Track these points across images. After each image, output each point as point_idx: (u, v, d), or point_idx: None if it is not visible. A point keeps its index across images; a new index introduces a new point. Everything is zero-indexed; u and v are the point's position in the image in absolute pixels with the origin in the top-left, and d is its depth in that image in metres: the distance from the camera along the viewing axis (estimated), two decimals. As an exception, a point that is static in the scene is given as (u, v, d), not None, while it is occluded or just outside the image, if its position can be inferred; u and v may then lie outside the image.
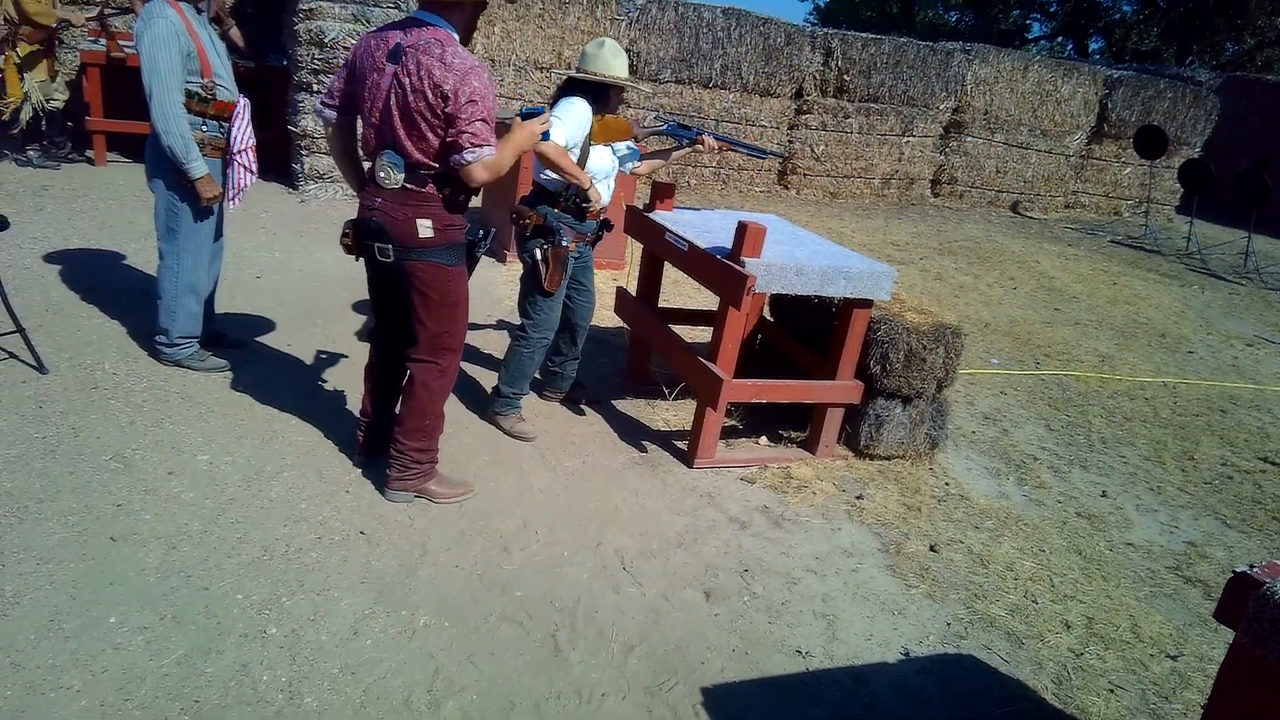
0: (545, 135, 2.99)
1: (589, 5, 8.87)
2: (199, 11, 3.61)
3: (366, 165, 2.92)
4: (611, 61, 3.52)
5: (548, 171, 3.55)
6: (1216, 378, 6.33)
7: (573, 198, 3.55)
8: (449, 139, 2.67)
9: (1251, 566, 1.74)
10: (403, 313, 2.99)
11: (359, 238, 2.89)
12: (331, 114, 2.93)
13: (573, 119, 3.44)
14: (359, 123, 2.87)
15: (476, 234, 3.03)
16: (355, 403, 3.77)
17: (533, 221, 3.55)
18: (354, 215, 2.92)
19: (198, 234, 3.76)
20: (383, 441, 3.17)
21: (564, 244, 3.54)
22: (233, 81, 3.75)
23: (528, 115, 2.90)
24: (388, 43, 2.71)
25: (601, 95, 3.54)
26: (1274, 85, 15.55)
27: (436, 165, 2.73)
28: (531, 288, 3.64)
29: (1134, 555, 3.66)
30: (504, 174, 2.83)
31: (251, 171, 3.81)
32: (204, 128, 3.64)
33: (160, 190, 3.67)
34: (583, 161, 3.52)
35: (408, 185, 2.76)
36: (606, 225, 3.80)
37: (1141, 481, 4.39)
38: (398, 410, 3.08)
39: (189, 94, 3.54)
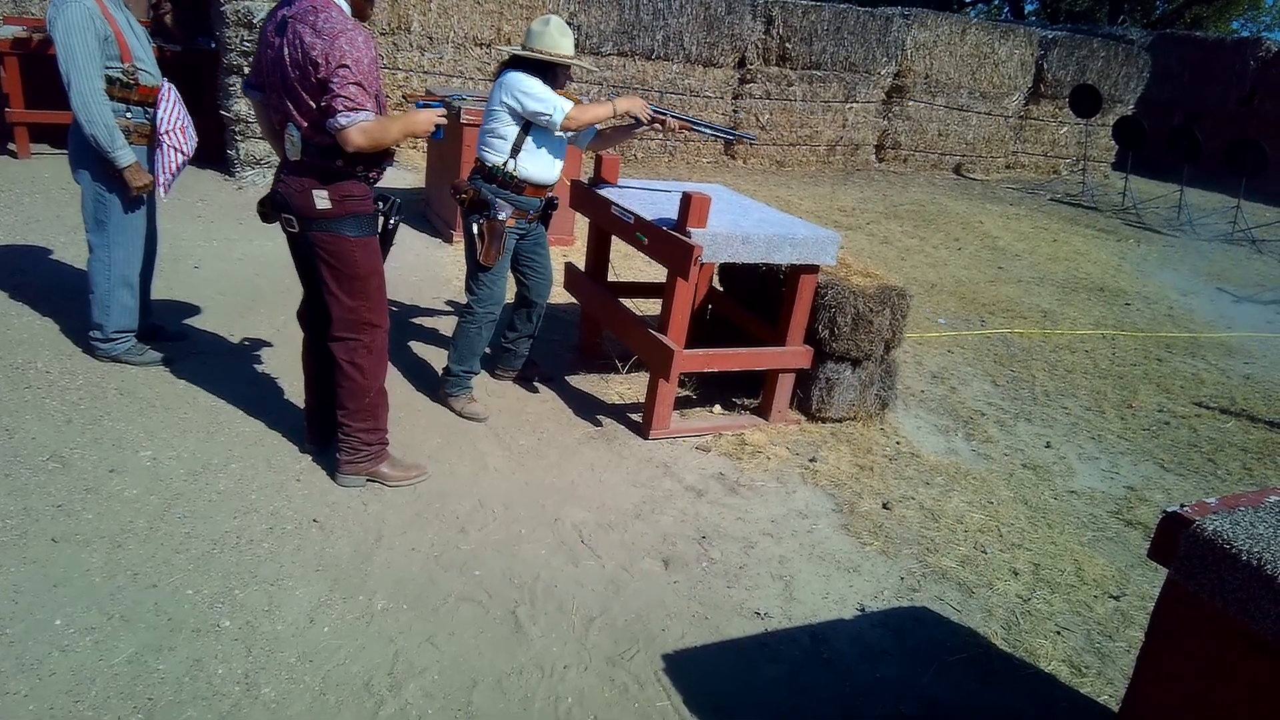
0: (438, 133, 2.96)
1: (526, -22, 8.72)
2: (114, -6, 3.47)
3: None
4: (559, 40, 3.46)
5: (485, 149, 3.53)
6: (1152, 328, 6.53)
7: (506, 173, 3.52)
8: (322, 104, 2.63)
9: (1182, 506, 1.80)
10: (317, 290, 2.98)
11: (273, 208, 2.90)
12: (255, 94, 2.94)
13: (547, 89, 3.43)
14: None
15: (386, 207, 3.03)
16: (301, 390, 3.72)
17: (469, 196, 3.54)
18: None
19: (129, 225, 3.64)
20: (331, 427, 3.13)
21: (498, 217, 3.52)
22: (155, 65, 3.62)
23: (424, 108, 2.93)
24: (276, 17, 2.73)
25: (548, 74, 3.50)
26: (1203, 42, 15.94)
27: (326, 135, 2.69)
28: (472, 262, 3.63)
29: (1077, 502, 3.77)
30: (388, 145, 2.81)
31: (183, 152, 3.65)
32: (128, 114, 3.51)
33: (86, 181, 3.54)
34: (525, 134, 3.50)
35: (305, 157, 2.76)
36: (552, 204, 3.77)
37: (1083, 431, 4.52)
38: (336, 399, 3.04)
39: (110, 80, 3.41)
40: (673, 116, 3.81)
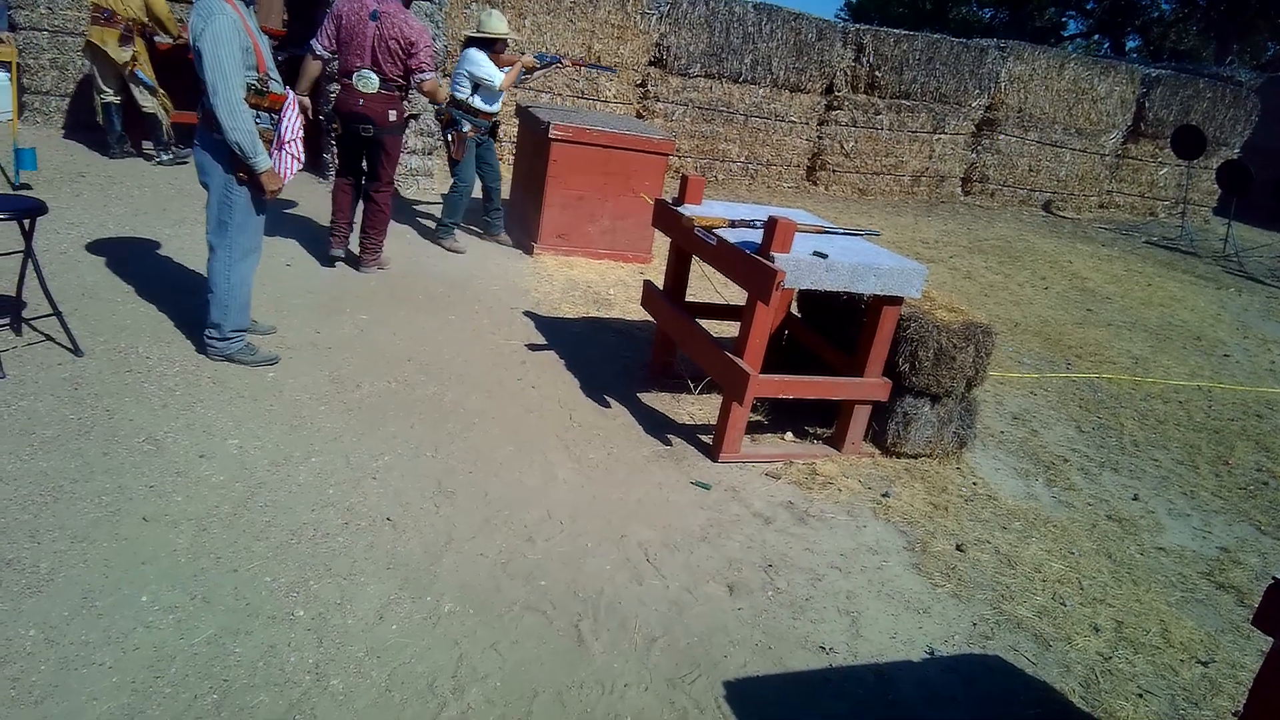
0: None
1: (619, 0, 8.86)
2: (248, 4, 3.63)
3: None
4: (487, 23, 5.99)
5: (458, 88, 5.90)
6: (1253, 382, 6.21)
7: (467, 103, 5.90)
8: (411, 64, 4.88)
9: (1291, 571, 1.70)
10: (373, 164, 5.13)
11: (354, 121, 4.92)
12: (327, 54, 4.93)
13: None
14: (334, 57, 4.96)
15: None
16: (381, 390, 3.81)
17: (445, 120, 5.93)
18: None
19: (250, 227, 3.77)
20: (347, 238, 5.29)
21: (464, 130, 5.86)
22: (278, 73, 3.77)
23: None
24: (365, 7, 4.79)
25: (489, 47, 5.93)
26: (1317, 85, 15.17)
27: (398, 80, 4.91)
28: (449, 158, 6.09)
29: (1165, 560, 3.60)
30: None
31: (299, 160, 3.83)
32: (257, 120, 3.64)
33: (215, 184, 3.66)
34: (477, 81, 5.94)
35: (382, 90, 4.87)
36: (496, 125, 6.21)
37: (1174, 485, 4.32)
38: (367, 223, 5.19)
39: (246, 88, 3.56)
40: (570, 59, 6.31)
